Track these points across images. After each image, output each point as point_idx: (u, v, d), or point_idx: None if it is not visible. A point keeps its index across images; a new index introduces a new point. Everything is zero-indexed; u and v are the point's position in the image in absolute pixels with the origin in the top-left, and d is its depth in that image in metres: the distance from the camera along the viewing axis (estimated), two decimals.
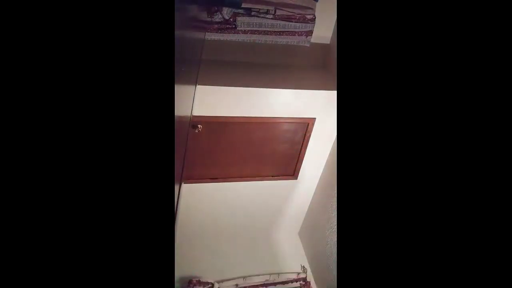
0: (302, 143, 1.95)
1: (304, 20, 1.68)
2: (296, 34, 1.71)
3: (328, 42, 1.92)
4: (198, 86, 1.52)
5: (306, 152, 2.02)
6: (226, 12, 1.60)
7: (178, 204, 0.44)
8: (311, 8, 1.67)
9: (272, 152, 1.96)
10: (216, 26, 1.64)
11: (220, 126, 1.75)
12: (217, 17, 1.61)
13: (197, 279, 2.08)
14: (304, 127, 1.87)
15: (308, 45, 1.74)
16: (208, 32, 1.65)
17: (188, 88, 0.59)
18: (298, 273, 2.34)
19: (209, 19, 1.61)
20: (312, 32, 1.71)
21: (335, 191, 1.97)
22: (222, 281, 2.15)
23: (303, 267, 2.39)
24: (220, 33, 1.66)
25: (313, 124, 1.85)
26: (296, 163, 2.08)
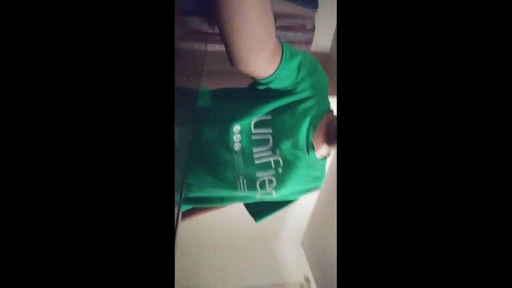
0: None
1: (304, 30, 1.70)
2: (296, 43, 1.73)
3: (328, 50, 1.94)
4: None
5: None
6: None
7: (179, 216, 0.44)
8: (311, 18, 1.69)
9: None
10: (217, 37, 1.66)
11: None
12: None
13: None
14: None
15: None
16: (209, 43, 1.67)
17: None
18: (301, 284, 2.30)
19: (210, 30, 1.64)
20: (311, 41, 1.73)
21: None
22: None
23: (306, 278, 2.35)
24: (221, 44, 1.68)
25: None
26: None
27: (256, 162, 0.61)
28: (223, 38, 0.49)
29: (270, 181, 0.63)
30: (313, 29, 1.70)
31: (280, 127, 0.60)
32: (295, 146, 0.61)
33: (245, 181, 0.62)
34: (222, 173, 0.62)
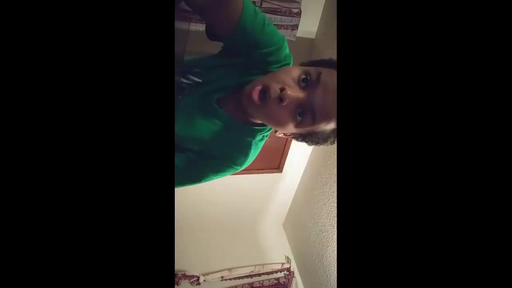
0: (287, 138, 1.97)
1: (290, 13, 1.68)
2: (282, 28, 1.71)
3: (314, 37, 1.93)
4: None
5: (291, 147, 2.05)
6: None
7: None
8: (297, 2, 1.67)
9: None
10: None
11: None
12: None
13: (183, 273, 2.08)
14: None
15: (294, 39, 1.74)
16: (192, 22, 1.60)
17: None
18: (282, 264, 2.40)
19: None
20: (297, 26, 1.71)
21: (318, 184, 2.03)
22: (208, 273, 2.16)
23: (287, 257, 2.45)
24: (204, 24, 1.62)
25: None
26: (281, 157, 2.11)
27: None
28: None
29: None
30: (299, 13, 1.68)
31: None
32: None
33: None
34: None
